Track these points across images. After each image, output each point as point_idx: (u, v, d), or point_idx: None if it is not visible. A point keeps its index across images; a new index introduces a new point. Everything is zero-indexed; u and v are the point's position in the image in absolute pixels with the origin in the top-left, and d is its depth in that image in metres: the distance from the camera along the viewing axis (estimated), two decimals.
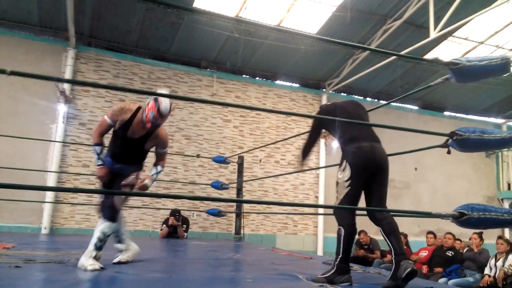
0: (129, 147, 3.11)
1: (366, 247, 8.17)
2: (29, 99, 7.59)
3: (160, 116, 2.89)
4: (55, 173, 7.51)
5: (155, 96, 2.94)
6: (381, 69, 8.95)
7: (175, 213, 6.46)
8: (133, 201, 7.90)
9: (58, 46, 7.96)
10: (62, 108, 7.73)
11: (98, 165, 3.08)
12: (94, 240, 2.85)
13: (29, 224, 7.21)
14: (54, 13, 7.52)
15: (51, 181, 7.44)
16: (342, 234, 2.58)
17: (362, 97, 10.66)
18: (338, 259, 2.56)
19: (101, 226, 2.90)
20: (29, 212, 7.13)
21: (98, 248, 2.84)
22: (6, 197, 6.21)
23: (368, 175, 2.70)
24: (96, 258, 2.79)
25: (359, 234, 8.47)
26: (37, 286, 2.16)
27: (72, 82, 7.71)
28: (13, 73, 2.00)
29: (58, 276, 2.42)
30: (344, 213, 2.66)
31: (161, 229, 6.64)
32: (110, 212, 2.93)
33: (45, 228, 7.24)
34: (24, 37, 7.82)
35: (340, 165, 2.77)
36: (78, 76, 8.11)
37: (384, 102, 9.50)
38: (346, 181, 2.65)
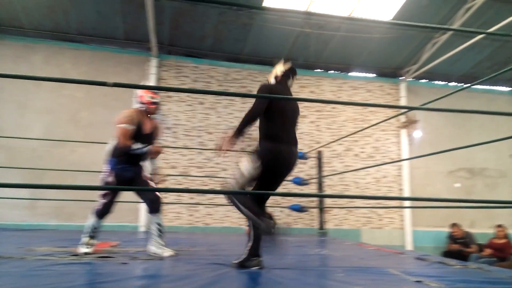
0: (147, 142, 3.49)
1: (460, 241, 7.70)
2: (121, 108, 8.24)
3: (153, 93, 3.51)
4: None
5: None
6: (465, 51, 8.35)
7: None
8: (218, 199, 8.25)
9: (142, 56, 8.55)
10: None
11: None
12: (155, 231, 3.41)
13: (128, 223, 7.83)
14: (137, 26, 8.08)
15: None
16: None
17: (444, 82, 10.05)
18: (249, 246, 2.68)
19: (157, 218, 3.49)
20: (127, 211, 7.73)
21: (159, 236, 3.41)
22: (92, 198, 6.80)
23: (278, 179, 2.80)
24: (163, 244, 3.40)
25: (451, 228, 8.01)
26: (145, 281, 2.31)
27: (163, 89, 8.21)
28: (116, 84, 2.21)
29: (162, 271, 2.61)
30: (250, 201, 2.61)
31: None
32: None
33: (142, 227, 7.82)
34: (113, 50, 8.51)
35: (252, 156, 2.68)
36: (161, 83, 8.65)
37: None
38: (253, 176, 2.70)
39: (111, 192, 3.44)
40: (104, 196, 3.45)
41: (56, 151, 7.86)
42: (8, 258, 2.76)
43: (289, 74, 3.02)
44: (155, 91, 3.61)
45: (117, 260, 2.91)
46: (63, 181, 7.28)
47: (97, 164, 7.50)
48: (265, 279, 2.39)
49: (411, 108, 8.31)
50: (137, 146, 3.40)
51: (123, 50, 8.57)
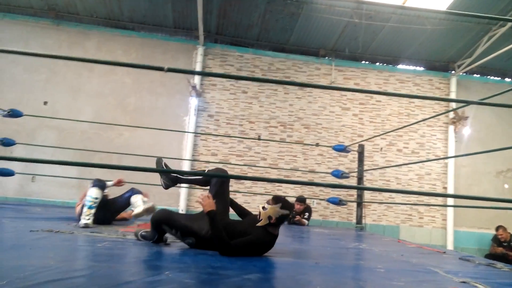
0: None
1: (505, 244, 7.38)
2: (167, 95, 8.51)
3: None
4: (188, 161, 8.27)
5: None
6: None
7: (301, 200, 6.60)
8: (256, 187, 8.35)
9: (189, 44, 8.72)
10: (193, 102, 8.46)
11: None
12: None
13: (168, 206, 8.08)
14: (186, 14, 8.23)
15: (185, 168, 8.21)
16: None
17: (499, 78, 9.54)
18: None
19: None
20: (168, 195, 7.98)
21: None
22: (150, 182, 7.04)
23: None
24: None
25: (497, 230, 7.68)
26: (181, 263, 2.38)
27: (211, 75, 8.32)
28: (170, 69, 2.29)
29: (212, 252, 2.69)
30: None
31: None
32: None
33: (182, 210, 8.07)
34: (161, 38, 8.73)
35: None
36: (206, 71, 8.82)
37: None
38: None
39: None
40: None
41: (104, 134, 8.21)
42: (58, 232, 2.94)
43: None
44: None
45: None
46: (110, 162, 7.61)
47: (142, 148, 7.83)
48: (304, 269, 2.41)
49: (461, 102, 7.98)
50: None
51: (171, 38, 8.77)
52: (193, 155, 8.43)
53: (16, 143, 5.57)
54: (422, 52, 9.11)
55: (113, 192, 4.06)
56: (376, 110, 9.19)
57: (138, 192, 3.85)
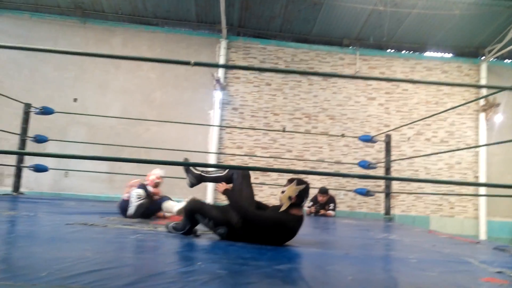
0: None
1: None
2: (191, 89, 8.59)
3: None
4: (214, 154, 8.35)
5: None
6: None
7: (324, 191, 6.58)
8: (282, 179, 8.35)
9: (212, 38, 8.76)
10: (218, 95, 8.51)
11: None
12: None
13: None
14: (208, 8, 8.27)
15: (211, 161, 8.29)
16: None
17: None
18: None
19: None
20: (196, 188, 8.06)
21: None
22: (178, 175, 7.15)
23: None
24: None
25: None
26: (211, 254, 2.42)
27: (235, 67, 8.35)
28: (196, 63, 2.31)
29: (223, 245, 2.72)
30: None
31: (309, 207, 6.85)
32: None
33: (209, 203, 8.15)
34: (185, 33, 8.81)
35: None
36: (230, 64, 8.85)
37: None
38: None
39: None
40: None
41: (132, 129, 8.38)
42: (92, 225, 3.03)
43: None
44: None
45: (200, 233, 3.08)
46: (138, 157, 7.76)
47: (168, 142, 7.95)
48: (334, 260, 2.40)
49: (493, 88, 7.73)
50: None
51: (194, 32, 8.83)
52: (218, 148, 8.50)
53: (49, 140, 5.76)
54: (450, 38, 8.85)
55: None
56: (402, 99, 9.02)
57: (168, 198, 4.12)
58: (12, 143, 7.18)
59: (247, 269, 1.89)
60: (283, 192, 2.71)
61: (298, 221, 2.70)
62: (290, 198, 2.67)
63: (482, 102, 8.82)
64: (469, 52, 9.15)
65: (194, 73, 8.55)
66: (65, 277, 1.43)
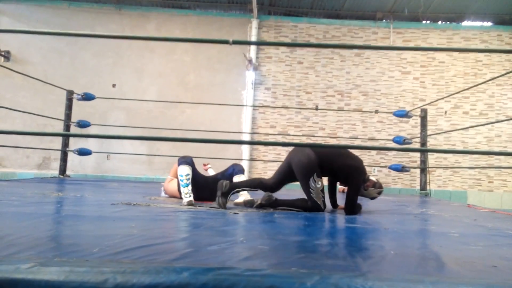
0: None
1: None
2: (224, 70, 8.72)
3: None
4: (248, 134, 8.50)
5: None
6: None
7: None
8: None
9: (243, 18, 8.79)
10: (250, 75, 8.60)
11: None
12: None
13: None
14: None
15: (246, 139, 8.46)
16: None
17: None
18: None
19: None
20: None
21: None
22: (214, 156, 7.39)
23: None
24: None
25: None
26: (246, 229, 2.55)
27: (270, 44, 8.38)
28: (235, 42, 2.41)
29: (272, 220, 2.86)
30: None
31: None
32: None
33: None
34: (216, 14, 8.88)
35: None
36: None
37: None
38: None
39: None
40: None
41: (168, 112, 8.64)
42: (135, 204, 3.23)
43: None
44: None
45: (230, 211, 3.24)
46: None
47: (204, 124, 8.17)
48: (374, 234, 2.46)
49: None
50: None
51: (225, 14, 8.89)
52: (252, 128, 8.64)
53: (91, 125, 6.09)
54: (490, 6, 8.46)
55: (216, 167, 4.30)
56: (439, 72, 8.78)
57: (240, 171, 3.73)
58: (57, 128, 7.61)
59: (288, 243, 1.98)
60: None
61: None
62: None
63: None
64: (510, 19, 8.72)
65: (226, 55, 8.65)
66: (116, 253, 1.52)
